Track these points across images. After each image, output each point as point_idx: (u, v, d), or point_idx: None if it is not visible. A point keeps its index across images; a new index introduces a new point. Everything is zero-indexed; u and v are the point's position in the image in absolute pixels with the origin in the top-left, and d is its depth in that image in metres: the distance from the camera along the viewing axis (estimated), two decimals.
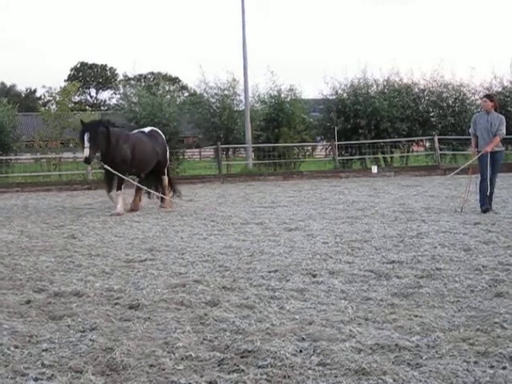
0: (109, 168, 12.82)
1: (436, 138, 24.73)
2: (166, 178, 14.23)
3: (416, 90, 27.29)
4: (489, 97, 12.00)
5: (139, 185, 13.88)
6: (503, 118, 11.59)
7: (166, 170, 14.32)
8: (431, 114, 26.86)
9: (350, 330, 4.68)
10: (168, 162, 14.71)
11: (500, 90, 26.44)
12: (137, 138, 13.67)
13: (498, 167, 11.63)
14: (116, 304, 5.70)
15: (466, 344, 4.35)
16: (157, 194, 14.09)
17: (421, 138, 26.58)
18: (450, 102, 26.72)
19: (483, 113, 11.69)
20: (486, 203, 11.27)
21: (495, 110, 11.62)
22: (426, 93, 27.26)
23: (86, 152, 12.46)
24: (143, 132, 14.37)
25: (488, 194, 11.29)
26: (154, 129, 14.93)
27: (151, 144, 13.80)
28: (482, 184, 11.35)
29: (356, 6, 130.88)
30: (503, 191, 14.77)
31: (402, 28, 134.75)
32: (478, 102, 25.03)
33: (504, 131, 11.46)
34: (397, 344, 4.36)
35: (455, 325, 4.80)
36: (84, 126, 12.87)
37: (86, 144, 12.46)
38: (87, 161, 12.96)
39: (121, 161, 12.98)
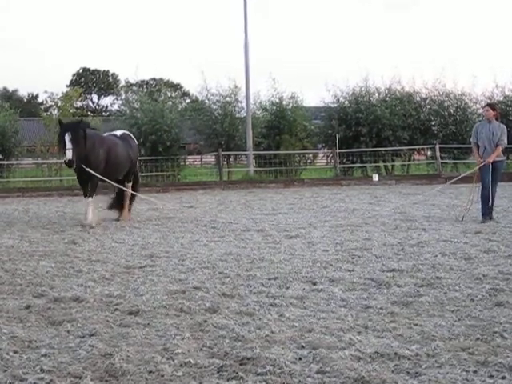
0: (91, 171, 11.93)
1: (437, 146, 24.74)
2: (130, 186, 13.36)
3: (418, 99, 27.32)
4: (491, 106, 12.06)
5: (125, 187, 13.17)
6: (504, 127, 11.63)
7: (132, 178, 13.58)
8: (433, 123, 26.87)
9: (350, 338, 4.68)
10: (137, 168, 14.14)
11: (501, 99, 26.48)
12: (111, 142, 12.87)
13: (498, 176, 11.65)
14: (115, 310, 5.70)
15: (466, 353, 4.34)
16: (153, 199, 13.92)
17: (422, 146, 26.59)
18: (452, 110, 26.72)
19: (484, 122, 11.73)
20: (486, 213, 11.27)
21: (496, 120, 11.65)
22: (427, 101, 27.29)
23: (69, 154, 11.49)
24: (115, 135, 13.49)
25: (489, 203, 11.31)
26: (126, 132, 14.29)
27: (125, 148, 13.10)
28: (483, 193, 11.37)
29: (358, 13, 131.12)
30: (504, 200, 14.76)
31: (405, 36, 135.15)
32: (480, 111, 25.03)
33: (505, 141, 11.51)
34: (396, 352, 4.36)
35: (455, 334, 4.80)
36: (64, 126, 11.89)
37: (69, 145, 11.52)
38: (70, 164, 11.68)
39: (95, 166, 12.11)
